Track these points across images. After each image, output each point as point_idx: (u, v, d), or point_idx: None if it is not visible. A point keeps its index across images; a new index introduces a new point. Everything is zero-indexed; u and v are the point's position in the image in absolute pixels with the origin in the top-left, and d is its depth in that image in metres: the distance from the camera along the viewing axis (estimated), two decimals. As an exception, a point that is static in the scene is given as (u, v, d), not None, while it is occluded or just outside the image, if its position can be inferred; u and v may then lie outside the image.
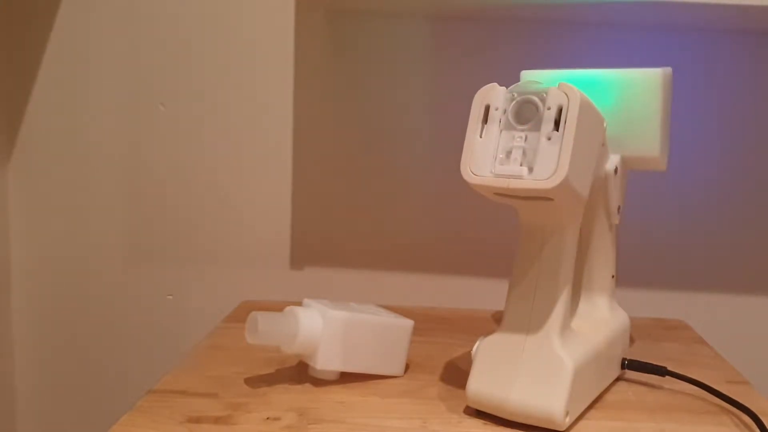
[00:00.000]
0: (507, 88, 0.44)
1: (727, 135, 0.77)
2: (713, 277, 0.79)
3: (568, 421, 0.45)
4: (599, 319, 0.55)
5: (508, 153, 0.43)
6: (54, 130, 0.80)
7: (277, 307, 0.52)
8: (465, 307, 0.77)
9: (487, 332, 0.49)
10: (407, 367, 0.56)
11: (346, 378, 0.54)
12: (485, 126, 0.44)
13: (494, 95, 0.44)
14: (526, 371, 0.46)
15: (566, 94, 0.42)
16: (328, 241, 0.81)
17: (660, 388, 0.55)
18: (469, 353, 0.50)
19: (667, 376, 0.54)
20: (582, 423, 0.48)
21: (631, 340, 0.65)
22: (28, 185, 0.81)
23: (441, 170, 0.79)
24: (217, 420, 0.46)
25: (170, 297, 0.83)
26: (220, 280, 0.82)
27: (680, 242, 0.79)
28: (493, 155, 0.43)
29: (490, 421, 0.47)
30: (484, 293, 0.81)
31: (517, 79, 0.57)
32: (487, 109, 0.44)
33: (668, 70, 0.54)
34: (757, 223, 0.78)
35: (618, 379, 0.56)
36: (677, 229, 0.79)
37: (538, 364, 0.45)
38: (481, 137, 0.44)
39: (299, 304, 0.53)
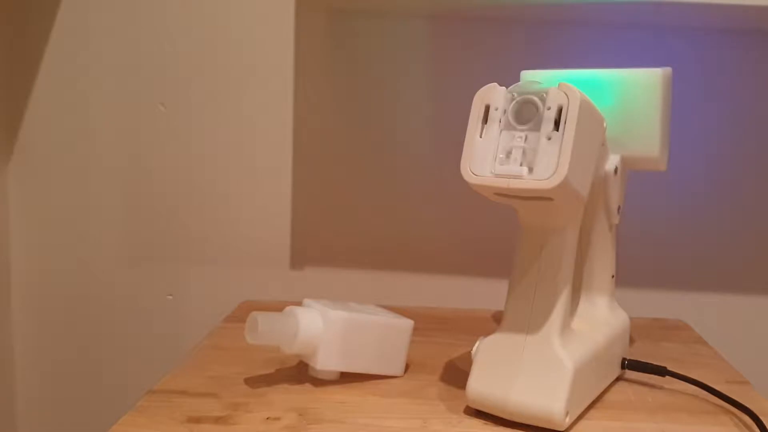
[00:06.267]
0: (507, 88, 0.44)
1: (727, 135, 0.77)
2: (713, 277, 0.79)
3: (568, 421, 0.45)
4: (599, 319, 0.55)
5: (508, 153, 0.43)
6: (54, 130, 0.80)
7: (277, 307, 0.52)
8: (465, 307, 0.77)
9: (487, 332, 0.49)
10: (407, 367, 0.56)
11: (346, 378, 0.53)
12: (485, 126, 0.44)
13: (494, 95, 0.44)
14: (526, 371, 0.46)
15: (566, 94, 0.42)
16: (328, 241, 0.81)
17: (660, 388, 0.55)
18: (469, 353, 0.50)
19: (667, 376, 0.54)
20: (582, 423, 0.48)
21: (631, 340, 0.65)
22: (28, 185, 0.81)
23: (441, 170, 0.79)
24: (217, 420, 0.46)
25: (170, 297, 0.83)
26: (220, 280, 0.82)
27: (680, 242, 0.79)
28: (493, 155, 0.43)
29: (490, 421, 0.47)
30: (484, 293, 0.80)
31: (517, 79, 0.57)
32: (487, 109, 0.44)
33: (668, 70, 0.54)
34: (757, 223, 0.78)
35: (618, 379, 0.56)
36: (677, 229, 0.79)
37: (538, 364, 0.45)
38: (481, 137, 0.44)
39: (299, 304, 0.53)
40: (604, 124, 0.47)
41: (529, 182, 0.41)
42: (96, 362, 0.84)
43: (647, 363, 0.55)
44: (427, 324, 0.69)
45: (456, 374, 0.56)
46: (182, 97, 0.79)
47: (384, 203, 0.80)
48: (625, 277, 0.77)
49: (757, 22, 0.71)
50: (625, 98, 0.54)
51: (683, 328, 0.73)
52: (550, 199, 0.43)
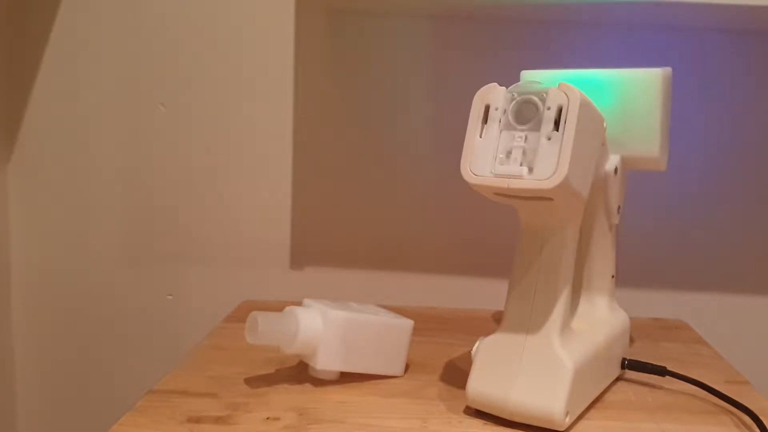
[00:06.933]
0: (507, 88, 0.44)
1: (727, 135, 0.77)
2: (713, 277, 0.79)
3: (568, 421, 0.45)
4: (599, 319, 0.55)
5: (508, 153, 0.43)
6: (54, 130, 0.80)
7: (277, 307, 0.52)
8: (465, 307, 0.77)
9: (487, 332, 0.49)
10: (407, 367, 0.56)
11: (346, 378, 0.53)
12: (485, 126, 0.44)
13: (494, 95, 0.44)
14: (526, 371, 0.46)
15: (566, 94, 0.42)
16: (328, 241, 0.81)
17: (660, 388, 0.55)
18: (469, 353, 0.50)
19: (667, 376, 0.54)
20: (582, 423, 0.48)
21: (631, 340, 0.65)
22: (28, 185, 0.81)
23: (441, 170, 0.79)
24: (217, 420, 0.46)
25: (170, 297, 0.83)
26: (220, 280, 0.82)
27: (680, 242, 0.79)
28: (493, 155, 0.43)
29: (490, 421, 0.47)
30: (484, 293, 0.80)
31: (517, 79, 0.57)
32: (487, 109, 0.44)
33: (668, 70, 0.54)
34: (757, 223, 0.78)
35: (618, 379, 0.56)
36: (677, 229, 0.79)
37: (538, 364, 0.45)
38: (481, 137, 0.44)
39: (299, 304, 0.53)
40: (604, 124, 0.47)
41: (529, 182, 0.41)
42: (96, 362, 0.84)
43: (647, 363, 0.55)
44: (427, 324, 0.69)
45: (456, 374, 0.56)
46: (182, 97, 0.79)
47: (384, 203, 0.80)
48: (625, 277, 0.77)
49: (757, 22, 0.71)
50: (625, 98, 0.54)
51: (683, 328, 0.73)
52: (550, 199, 0.43)
